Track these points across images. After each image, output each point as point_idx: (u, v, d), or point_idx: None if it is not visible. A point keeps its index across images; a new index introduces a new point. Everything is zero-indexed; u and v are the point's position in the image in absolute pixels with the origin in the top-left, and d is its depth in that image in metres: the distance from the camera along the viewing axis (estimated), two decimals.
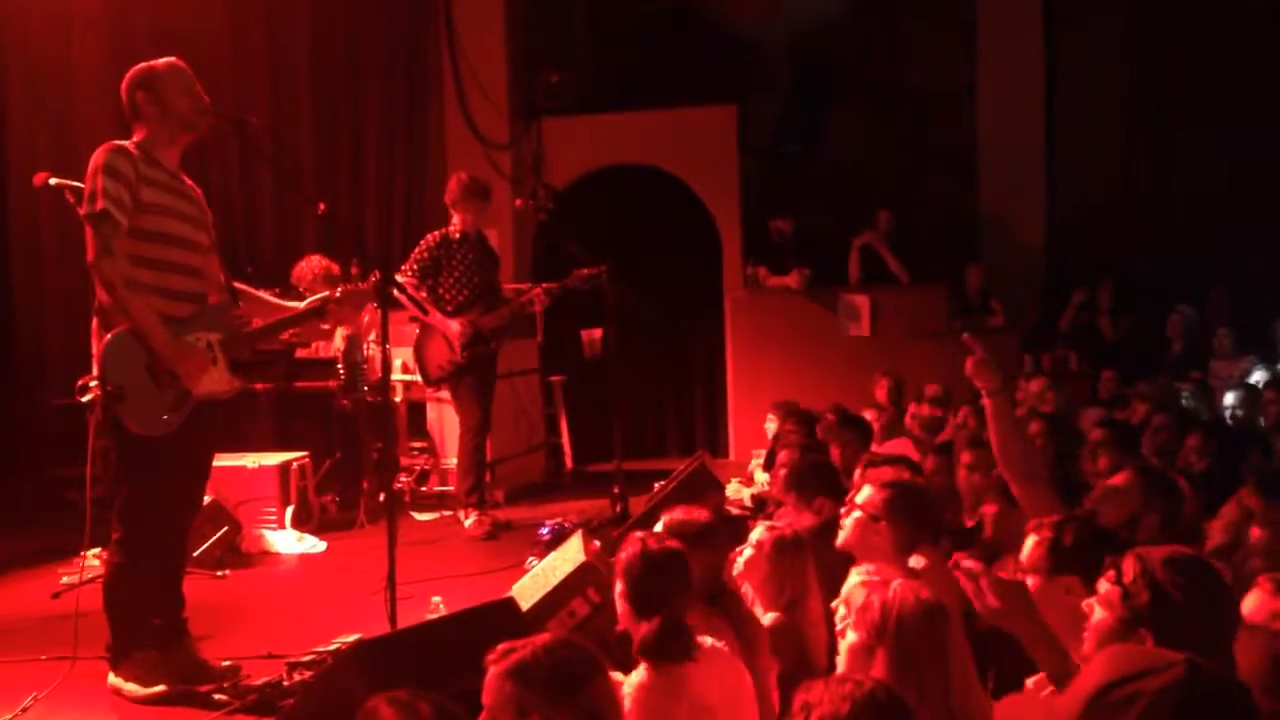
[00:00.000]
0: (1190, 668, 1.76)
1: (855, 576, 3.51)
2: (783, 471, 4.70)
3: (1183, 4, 10.15)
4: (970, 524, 4.65)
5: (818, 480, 4.60)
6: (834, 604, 3.49)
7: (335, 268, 7.63)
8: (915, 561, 3.47)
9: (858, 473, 4.38)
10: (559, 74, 10.01)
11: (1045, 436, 5.65)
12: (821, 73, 10.81)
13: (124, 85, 4.26)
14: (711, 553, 3.41)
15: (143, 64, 4.27)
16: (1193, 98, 10.12)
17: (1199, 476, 4.78)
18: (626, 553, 3.03)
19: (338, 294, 4.63)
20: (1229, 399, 7.46)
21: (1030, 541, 2.99)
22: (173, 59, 4.29)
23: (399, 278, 6.72)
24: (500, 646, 2.28)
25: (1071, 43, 10.51)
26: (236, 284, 4.55)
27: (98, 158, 4.09)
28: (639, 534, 3.13)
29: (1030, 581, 2.95)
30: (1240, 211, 9.52)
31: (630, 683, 2.82)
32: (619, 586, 3.01)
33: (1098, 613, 2.49)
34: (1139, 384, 7.97)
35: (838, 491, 4.44)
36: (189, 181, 4.41)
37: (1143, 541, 3.44)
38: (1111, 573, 2.49)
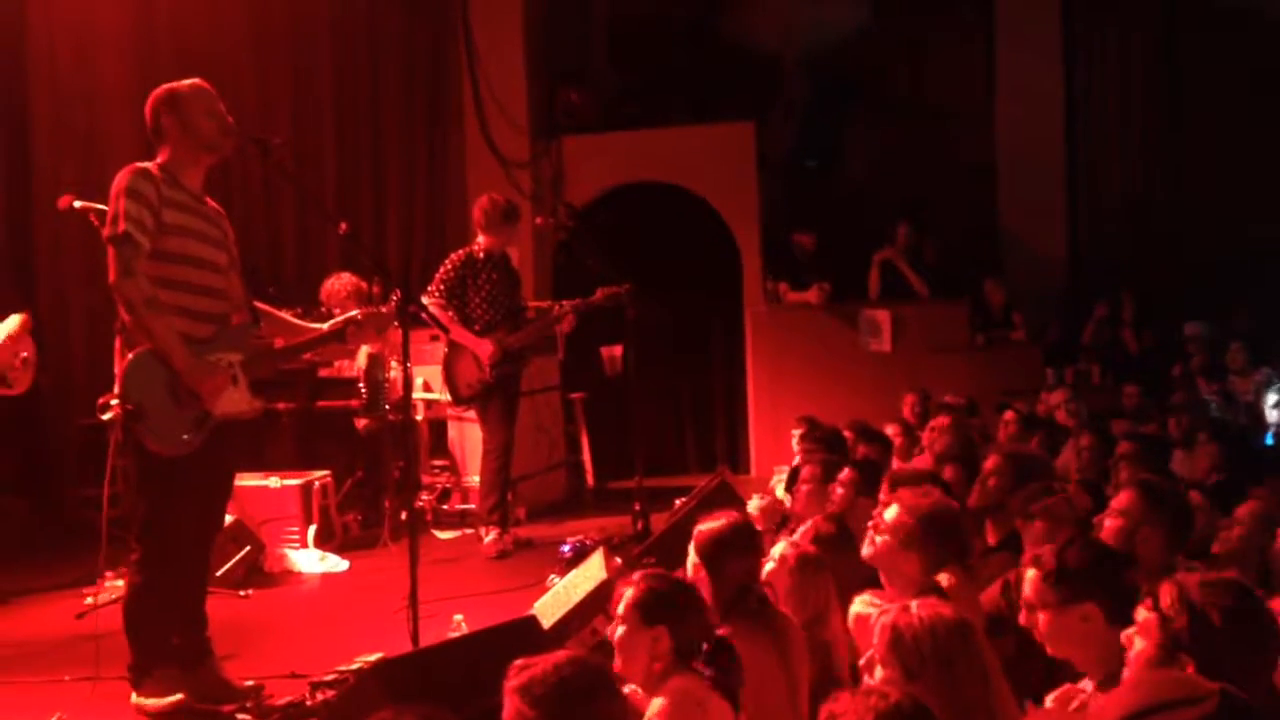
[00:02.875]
0: (1224, 699, 1.72)
1: (858, 605, 3.48)
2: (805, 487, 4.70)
3: (1203, 18, 10.12)
4: (992, 540, 4.61)
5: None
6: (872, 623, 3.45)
7: (365, 286, 7.66)
8: (943, 579, 3.45)
9: (884, 489, 4.37)
10: (578, 93, 10.05)
11: (1093, 451, 5.65)
12: (839, 88, 10.81)
13: (148, 107, 4.28)
14: (744, 558, 3.39)
15: (166, 85, 4.29)
16: (1212, 109, 10.08)
17: (1212, 488, 4.75)
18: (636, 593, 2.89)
19: (359, 317, 4.64)
20: (1274, 416, 7.41)
21: (1030, 575, 2.87)
22: (196, 80, 4.31)
23: (425, 298, 6.78)
24: (517, 663, 2.29)
25: (1090, 56, 10.50)
26: (258, 304, 4.57)
27: (120, 180, 4.12)
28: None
29: (1040, 619, 2.82)
30: (1260, 225, 9.46)
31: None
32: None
33: (1137, 643, 2.45)
34: (1176, 395, 7.93)
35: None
36: (211, 203, 4.43)
37: (1145, 558, 3.41)
38: (1149, 600, 2.44)
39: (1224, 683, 1.99)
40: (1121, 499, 3.68)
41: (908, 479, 4.36)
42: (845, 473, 4.76)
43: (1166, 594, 2.42)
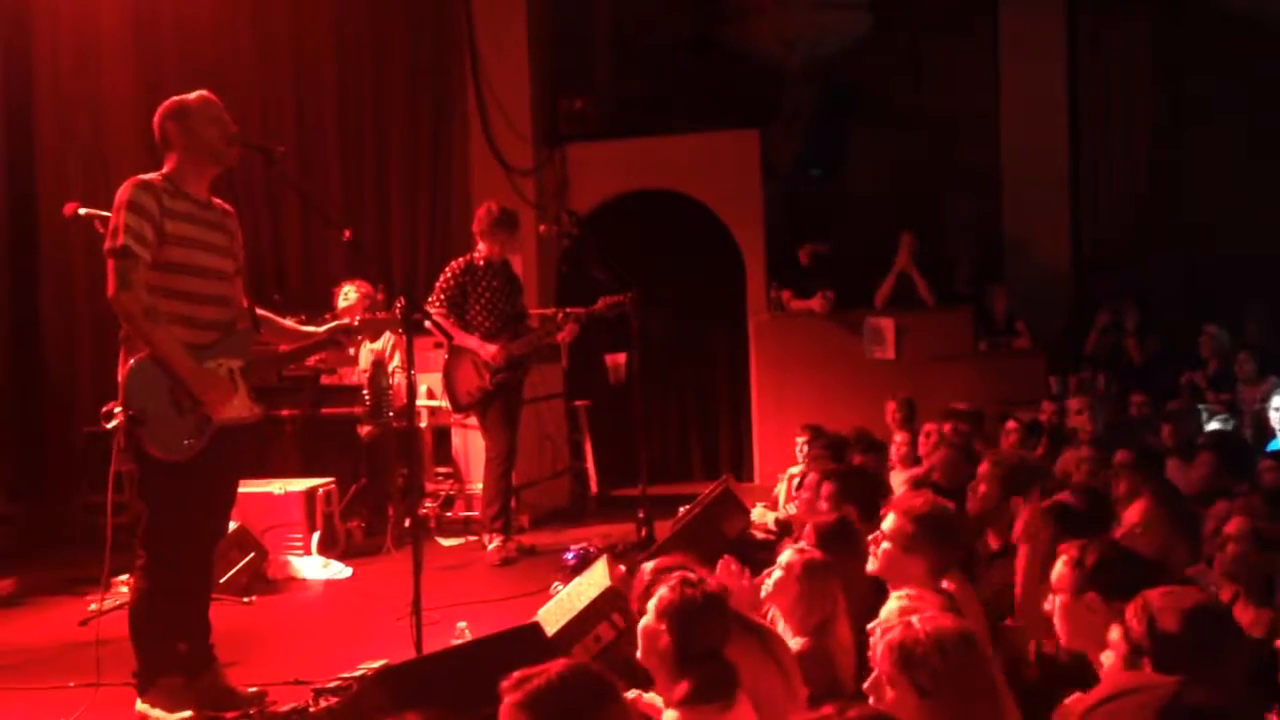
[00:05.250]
0: (1179, 688, 1.79)
1: (894, 602, 3.47)
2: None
3: (1208, 24, 10.12)
4: (995, 545, 4.61)
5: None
6: (871, 626, 3.45)
7: (376, 295, 7.68)
8: (946, 586, 3.44)
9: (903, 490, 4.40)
10: (582, 100, 10.07)
11: (1093, 461, 5.65)
12: (843, 97, 10.82)
13: (156, 117, 4.30)
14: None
15: (175, 97, 4.32)
16: (1217, 117, 10.09)
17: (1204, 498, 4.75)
18: (671, 595, 2.91)
19: (356, 321, 4.69)
20: (1276, 418, 7.39)
21: (1060, 563, 2.99)
22: (204, 92, 4.34)
23: (427, 307, 6.76)
24: (515, 675, 2.25)
25: (1094, 63, 10.51)
26: (259, 310, 4.58)
27: (121, 194, 4.13)
28: (677, 576, 3.03)
29: (1058, 603, 2.94)
30: (1266, 233, 9.46)
31: None
32: (659, 626, 2.89)
33: (1108, 657, 2.49)
34: (1171, 403, 7.91)
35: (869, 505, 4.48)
36: (220, 204, 4.44)
37: (1175, 570, 3.44)
38: (1118, 620, 2.52)
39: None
40: (1142, 513, 3.69)
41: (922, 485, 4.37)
42: (825, 487, 4.74)
43: (1130, 610, 2.49)
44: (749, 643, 3.25)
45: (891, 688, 2.40)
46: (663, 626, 2.88)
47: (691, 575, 3.03)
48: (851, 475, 4.86)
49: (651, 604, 2.95)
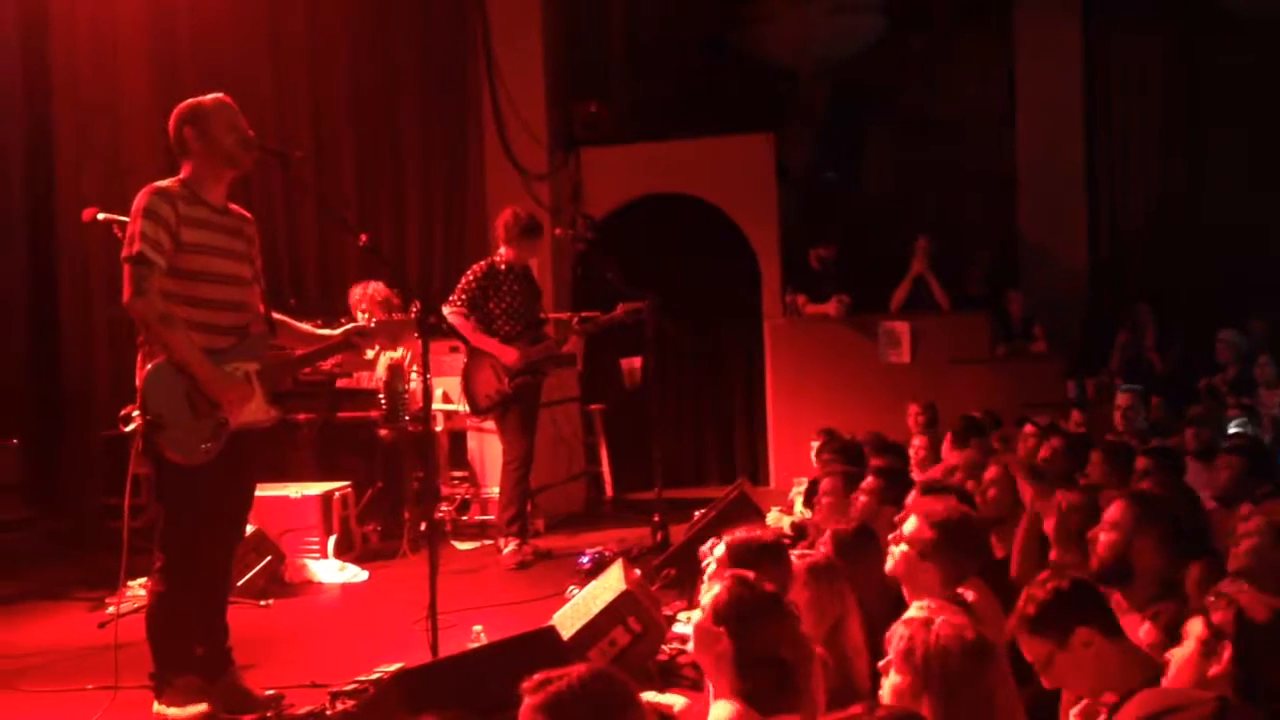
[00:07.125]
0: (1222, 705, 1.76)
1: (914, 610, 3.46)
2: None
3: (1224, 29, 10.09)
4: (999, 554, 4.58)
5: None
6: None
7: (396, 298, 7.68)
8: (968, 595, 3.42)
9: (912, 495, 4.37)
10: (597, 104, 10.08)
11: (1114, 466, 5.61)
12: (857, 100, 10.81)
13: (171, 121, 4.31)
14: (778, 571, 3.39)
15: (190, 100, 4.32)
16: (1233, 122, 10.05)
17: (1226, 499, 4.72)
18: (725, 595, 2.82)
19: (371, 324, 4.70)
20: None
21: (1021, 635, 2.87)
22: (219, 95, 4.34)
23: (446, 308, 6.78)
24: (535, 677, 2.23)
25: (1109, 66, 10.48)
26: (275, 315, 4.59)
27: (139, 201, 4.15)
28: (731, 575, 2.97)
29: (1047, 664, 2.81)
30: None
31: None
32: (717, 629, 2.78)
33: (1184, 647, 2.47)
34: (1193, 407, 7.87)
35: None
36: (238, 209, 4.45)
37: (1140, 569, 3.40)
38: (1201, 615, 2.48)
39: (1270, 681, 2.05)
40: (1112, 511, 3.63)
41: (935, 489, 4.34)
42: (868, 480, 4.76)
43: (1215, 606, 2.46)
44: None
45: (897, 674, 2.44)
46: (721, 630, 2.79)
47: (748, 574, 3.00)
48: (895, 475, 4.85)
49: (706, 601, 2.88)
